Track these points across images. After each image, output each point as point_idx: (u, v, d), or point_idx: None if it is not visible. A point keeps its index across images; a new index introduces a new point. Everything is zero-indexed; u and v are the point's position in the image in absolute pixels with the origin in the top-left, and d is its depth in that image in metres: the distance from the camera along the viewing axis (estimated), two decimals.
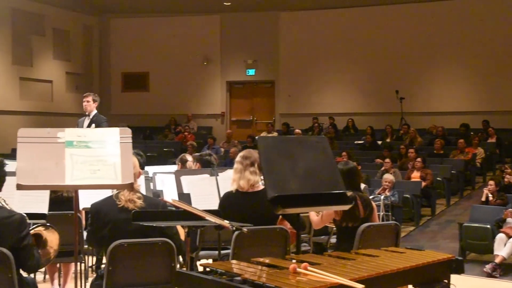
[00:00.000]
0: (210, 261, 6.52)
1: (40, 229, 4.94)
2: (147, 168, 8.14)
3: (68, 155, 3.85)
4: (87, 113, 10.16)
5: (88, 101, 10.14)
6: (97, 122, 10.02)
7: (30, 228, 4.77)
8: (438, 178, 14.57)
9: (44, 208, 6.19)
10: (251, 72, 23.53)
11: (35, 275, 6.64)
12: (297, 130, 19.83)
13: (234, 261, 4.23)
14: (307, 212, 6.06)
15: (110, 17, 24.10)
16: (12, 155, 10.88)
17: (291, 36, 22.71)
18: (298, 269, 3.66)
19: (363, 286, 3.45)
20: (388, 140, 19.20)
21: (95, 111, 10.19)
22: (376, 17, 21.71)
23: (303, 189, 4.67)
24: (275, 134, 20.45)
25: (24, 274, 4.94)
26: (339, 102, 22.36)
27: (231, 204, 5.61)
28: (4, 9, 19.52)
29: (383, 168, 14.42)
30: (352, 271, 3.79)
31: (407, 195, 12.84)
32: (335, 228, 6.38)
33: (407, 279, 4.12)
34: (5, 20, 19.62)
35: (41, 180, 3.79)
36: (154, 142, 21.59)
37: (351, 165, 6.09)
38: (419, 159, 14.43)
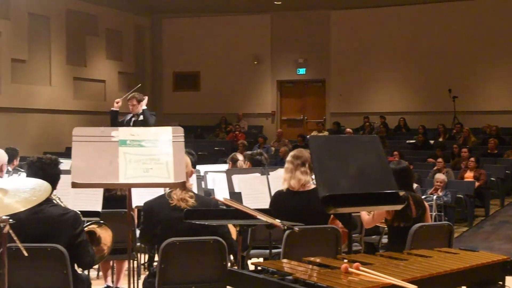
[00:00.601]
0: (261, 260, 6.53)
1: (94, 226, 5.01)
2: (198, 167, 8.19)
3: (122, 154, 3.90)
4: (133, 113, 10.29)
5: (133, 104, 10.26)
6: (145, 116, 10.14)
7: (84, 226, 4.85)
8: (492, 178, 14.33)
9: (97, 206, 6.28)
10: (302, 71, 23.47)
11: (88, 272, 6.75)
12: (348, 129, 19.71)
13: (285, 260, 4.23)
14: (359, 212, 6.02)
15: (162, 17, 24.31)
16: (66, 154, 11.08)
17: (342, 35, 22.59)
18: (350, 269, 3.64)
19: (416, 287, 3.42)
20: (440, 139, 18.96)
21: (141, 110, 10.31)
22: (428, 14, 21.45)
23: (355, 189, 4.64)
24: (325, 133, 20.38)
25: (79, 271, 5.02)
26: (390, 101, 22.15)
27: (282, 203, 5.61)
28: (59, 10, 19.85)
29: (435, 168, 14.24)
30: (405, 271, 3.75)
31: (460, 195, 12.66)
32: (386, 228, 6.32)
33: (461, 280, 4.07)
34: (60, 21, 19.95)
35: (95, 179, 3.85)
36: (205, 141, 21.70)
37: (403, 164, 6.03)
38: (472, 159, 14.21)
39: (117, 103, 10.51)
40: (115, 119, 10.34)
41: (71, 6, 20.21)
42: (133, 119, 10.25)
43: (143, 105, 10.31)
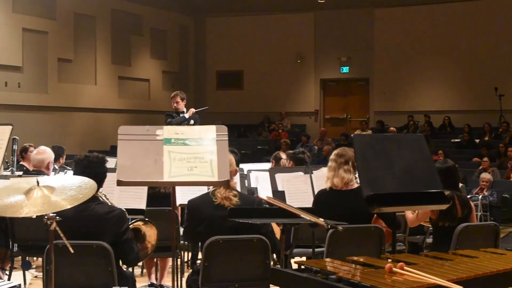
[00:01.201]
0: (303, 259, 6.52)
1: (139, 224, 5.06)
2: (241, 165, 8.21)
3: (166, 152, 3.93)
4: (178, 111, 10.36)
5: (177, 101, 10.35)
6: (193, 117, 10.23)
7: (130, 223, 4.90)
8: None
9: (142, 204, 6.33)
10: (345, 69, 23.37)
11: (133, 269, 6.81)
12: (391, 128, 19.56)
13: (328, 259, 4.21)
14: (403, 211, 5.97)
15: (205, 17, 24.41)
16: (111, 152, 11.22)
17: (386, 33, 22.40)
18: (394, 269, 3.61)
19: (461, 287, 3.38)
20: (486, 138, 18.70)
21: (185, 109, 10.40)
22: (473, 11, 21.16)
23: (400, 188, 4.60)
24: (369, 132, 20.23)
25: (123, 268, 5.07)
26: (435, 99, 21.91)
27: (325, 202, 5.59)
28: (105, 10, 20.07)
29: (480, 167, 14.06)
30: (450, 272, 3.71)
31: (506, 195, 12.48)
32: (431, 228, 6.26)
33: (507, 281, 4.00)
34: (105, 21, 20.18)
35: (140, 177, 3.88)
36: (248, 140, 21.74)
37: (449, 163, 5.97)
38: None
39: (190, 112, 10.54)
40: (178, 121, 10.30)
41: (116, 6, 20.42)
42: (183, 121, 10.30)
43: (184, 106, 10.38)
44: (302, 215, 4.61)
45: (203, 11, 24.16)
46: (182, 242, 6.72)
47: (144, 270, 7.91)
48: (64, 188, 3.89)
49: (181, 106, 10.35)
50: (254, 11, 23.41)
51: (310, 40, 23.43)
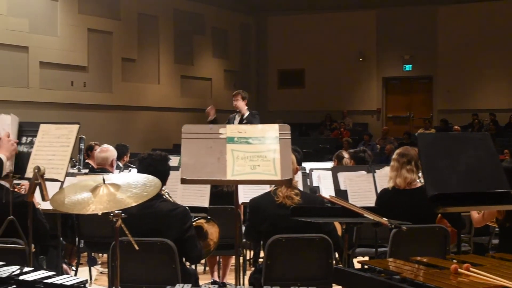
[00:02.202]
0: (366, 258, 6.48)
1: (202, 221, 5.11)
2: (303, 164, 8.19)
3: (229, 151, 3.94)
4: (238, 110, 10.42)
5: (237, 100, 10.40)
6: (248, 118, 10.26)
7: (193, 221, 4.94)
8: None
9: (205, 202, 6.38)
10: (408, 67, 23.11)
11: (196, 267, 6.88)
12: (456, 127, 19.27)
13: (391, 259, 4.17)
14: (468, 212, 5.87)
15: (267, 15, 24.46)
16: (174, 150, 11.33)
17: (450, 30, 22.06)
18: (460, 270, 3.55)
19: None
20: None
21: (245, 107, 10.43)
22: None
23: (465, 188, 4.52)
24: (432, 131, 19.98)
25: (186, 265, 5.12)
26: (500, 97, 21.49)
27: (388, 202, 5.55)
28: (167, 10, 20.30)
29: None
30: None
31: None
32: (497, 228, 6.14)
33: None
34: (168, 21, 20.40)
35: (203, 175, 3.91)
36: (310, 139, 21.70)
37: None
38: None
39: (211, 111, 10.68)
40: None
41: (178, 5, 20.63)
42: (237, 117, 10.36)
43: (245, 106, 10.42)
44: (365, 215, 4.58)
45: (265, 10, 24.21)
46: (244, 240, 6.74)
47: (207, 268, 7.97)
48: (129, 186, 3.95)
49: (242, 105, 10.40)
50: (315, 10, 23.35)
51: (372, 38, 23.24)
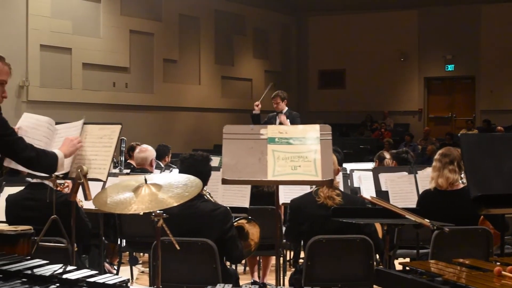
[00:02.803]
0: (407, 260, 6.43)
1: (243, 221, 5.12)
2: (344, 165, 8.16)
3: (270, 151, 3.94)
4: (278, 111, 10.46)
5: (277, 102, 10.45)
6: (290, 118, 10.28)
7: (234, 221, 4.96)
8: None
9: (245, 202, 6.40)
10: (450, 67, 22.86)
11: (236, 267, 6.90)
12: (499, 128, 18.99)
13: (433, 261, 4.13)
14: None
15: (307, 16, 24.41)
16: (215, 151, 11.38)
17: (493, 29, 21.74)
18: (504, 272, 3.50)
19: None
20: None
21: (286, 108, 10.47)
22: None
23: (509, 189, 4.47)
24: (475, 131, 19.72)
25: (227, 265, 5.14)
26: None
27: (430, 203, 5.50)
28: (208, 11, 20.39)
29: None
30: None
31: None
32: None
33: None
34: (209, 22, 20.49)
35: (244, 175, 3.92)
36: (350, 139, 21.58)
37: None
38: None
39: (257, 106, 10.76)
40: (258, 123, 10.50)
41: (219, 6, 20.70)
42: (277, 118, 10.39)
43: (285, 106, 10.46)
44: (407, 216, 4.54)
45: (305, 10, 24.17)
46: (284, 241, 6.74)
47: (247, 268, 7.98)
48: (171, 186, 3.97)
49: (282, 106, 10.43)
50: (356, 10, 23.23)
51: (413, 37, 23.03)
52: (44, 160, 4.14)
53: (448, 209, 5.30)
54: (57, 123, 4.76)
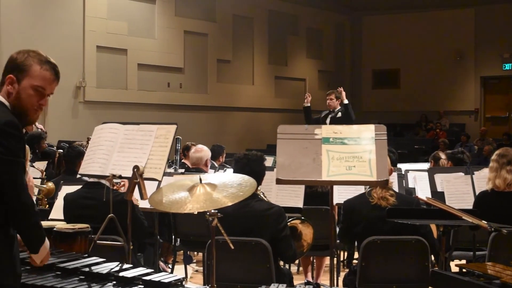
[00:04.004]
0: (463, 262, 6.34)
1: (297, 222, 5.11)
2: (398, 165, 8.09)
3: (325, 151, 3.94)
4: (330, 110, 10.50)
5: (331, 99, 10.50)
6: (348, 110, 10.33)
7: (287, 221, 4.95)
8: None
9: (299, 202, 6.39)
10: (508, 66, 22.44)
11: (289, 267, 6.89)
12: None
13: (490, 263, 4.06)
14: None
15: (362, 15, 24.27)
16: (268, 151, 11.40)
17: None
18: None
19: None
20: None
21: (338, 107, 10.49)
22: None
23: None
24: None
25: (280, 264, 5.14)
26: None
27: (487, 204, 5.43)
28: (262, 11, 20.43)
29: None
30: None
31: None
32: None
33: None
34: (262, 22, 20.53)
35: (299, 175, 3.92)
36: (405, 139, 21.39)
37: None
38: None
39: (308, 98, 10.89)
40: (309, 115, 10.70)
41: (273, 6, 20.72)
42: (329, 115, 10.43)
43: (338, 105, 10.51)
44: (463, 217, 4.48)
45: (360, 10, 24.03)
46: (338, 241, 6.71)
47: (300, 268, 7.97)
48: (225, 186, 3.98)
49: (335, 104, 10.49)
50: (411, 9, 23.00)
51: (470, 36, 22.69)
52: (35, 223, 3.16)
53: (506, 211, 5.23)
54: (122, 123, 4.82)
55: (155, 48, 17.09)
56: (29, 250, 3.17)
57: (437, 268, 5.29)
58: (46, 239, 3.19)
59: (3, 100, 3.11)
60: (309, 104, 10.99)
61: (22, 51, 3.20)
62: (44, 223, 4.09)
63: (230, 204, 3.87)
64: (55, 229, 4.06)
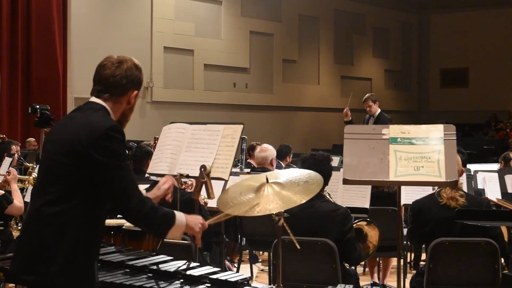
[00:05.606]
0: None
1: (362, 224, 5.07)
2: (468, 166, 7.95)
3: (392, 152, 3.90)
4: (371, 114, 10.44)
5: (369, 105, 10.43)
6: (381, 121, 10.21)
7: (353, 223, 4.92)
8: None
9: (366, 203, 6.33)
10: None
11: (355, 268, 6.84)
12: None
13: None
14: None
15: (429, 13, 23.95)
16: (334, 151, 11.36)
17: None
18: None
19: None
20: None
21: (378, 110, 10.41)
22: None
23: None
24: None
25: (346, 266, 5.11)
26: None
27: None
28: (328, 10, 20.36)
29: None
30: None
31: None
32: None
33: None
34: (328, 21, 20.46)
35: (366, 176, 3.89)
36: (473, 140, 21.03)
37: None
38: None
39: (347, 114, 10.76)
40: None
41: (339, 6, 20.63)
42: (371, 120, 10.39)
43: (378, 108, 10.44)
44: None
45: (427, 8, 23.72)
46: (404, 242, 6.63)
47: (367, 269, 7.91)
48: (292, 183, 3.95)
49: (375, 108, 10.42)
50: (480, 6, 22.57)
51: None
52: (149, 217, 3.16)
53: None
54: (189, 123, 4.87)
55: (221, 48, 17.20)
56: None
57: (507, 271, 5.18)
58: (175, 214, 3.22)
59: (105, 104, 3.27)
60: (350, 119, 10.78)
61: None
62: (113, 222, 4.18)
63: (301, 202, 3.80)
64: (124, 227, 4.12)
